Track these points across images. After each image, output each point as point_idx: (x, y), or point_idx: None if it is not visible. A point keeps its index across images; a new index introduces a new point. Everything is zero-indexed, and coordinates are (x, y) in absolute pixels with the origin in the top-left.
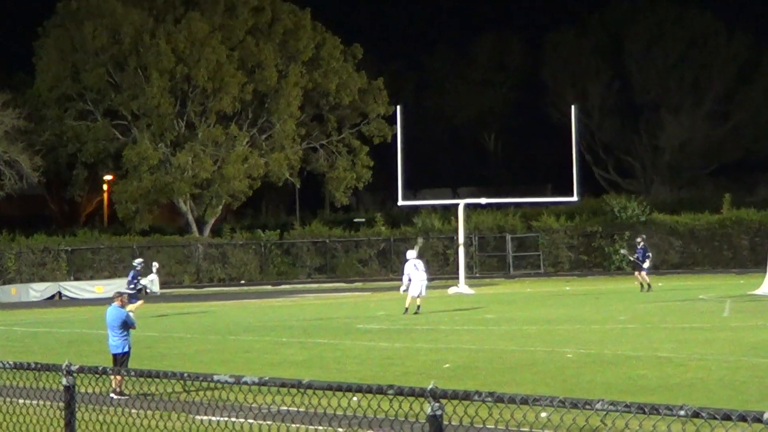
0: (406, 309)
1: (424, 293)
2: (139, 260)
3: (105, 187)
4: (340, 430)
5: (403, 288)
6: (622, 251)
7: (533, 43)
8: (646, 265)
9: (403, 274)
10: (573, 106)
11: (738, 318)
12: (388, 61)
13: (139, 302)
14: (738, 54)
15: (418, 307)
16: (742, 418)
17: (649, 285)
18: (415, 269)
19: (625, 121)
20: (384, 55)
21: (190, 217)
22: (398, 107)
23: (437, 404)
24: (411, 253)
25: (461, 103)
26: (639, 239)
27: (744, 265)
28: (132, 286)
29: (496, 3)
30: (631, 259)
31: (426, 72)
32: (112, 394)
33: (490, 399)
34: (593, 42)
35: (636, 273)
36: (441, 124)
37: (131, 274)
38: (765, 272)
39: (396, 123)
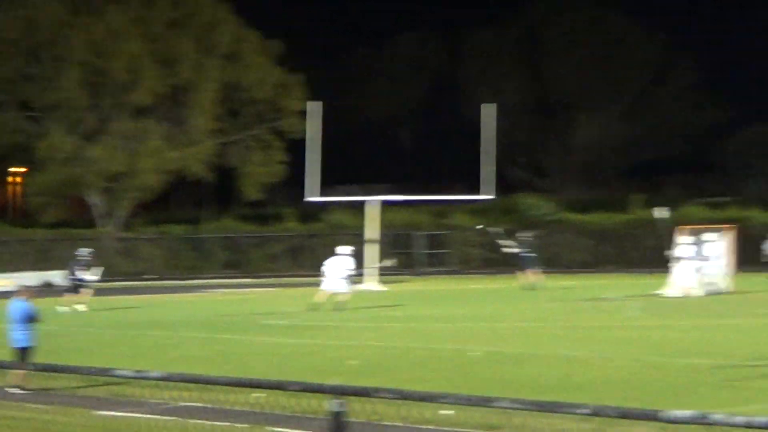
0: (321, 304)
1: (344, 290)
2: (84, 250)
3: (10, 179)
4: (243, 425)
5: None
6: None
7: (451, 42)
8: (530, 264)
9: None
10: (488, 105)
11: (643, 317)
12: (307, 57)
13: (90, 291)
14: (652, 55)
15: (339, 303)
16: (642, 417)
17: (533, 285)
18: (338, 264)
19: (540, 120)
20: (303, 51)
21: (100, 211)
22: (308, 103)
23: (340, 401)
24: (341, 249)
25: (378, 100)
26: (526, 235)
27: (652, 265)
28: (72, 276)
29: (416, 1)
30: (512, 251)
31: (344, 69)
32: (13, 389)
33: (393, 396)
34: (510, 41)
35: (523, 271)
36: (357, 120)
37: (74, 264)
38: (671, 272)
39: (312, 119)
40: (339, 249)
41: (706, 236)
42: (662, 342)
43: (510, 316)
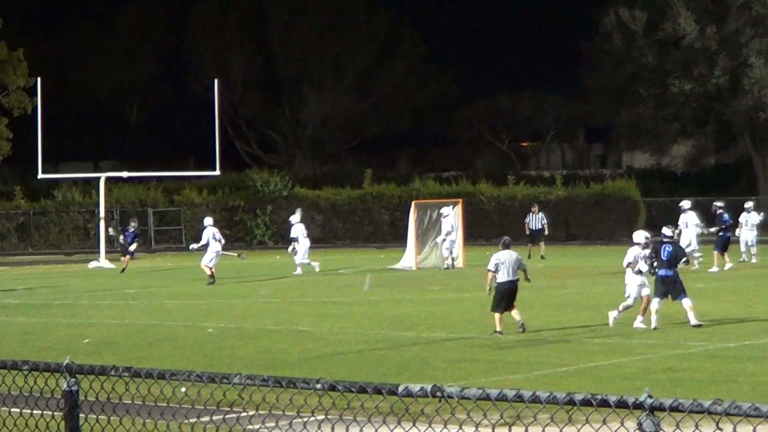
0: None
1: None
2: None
3: None
4: None
5: (290, 248)
6: (110, 230)
7: (176, 15)
8: (133, 248)
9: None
10: (215, 80)
11: (377, 292)
12: (28, 31)
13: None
14: (379, 30)
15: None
16: (378, 391)
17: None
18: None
19: (268, 95)
20: (24, 26)
21: None
22: (38, 79)
23: (73, 379)
24: (295, 217)
25: (103, 75)
26: (130, 224)
27: (384, 239)
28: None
29: None
30: (120, 241)
31: (67, 43)
32: None
33: (126, 374)
34: (236, 15)
35: (124, 257)
36: (83, 96)
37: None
38: (405, 247)
39: (36, 95)
40: (293, 217)
41: (438, 210)
42: (397, 316)
43: (245, 292)
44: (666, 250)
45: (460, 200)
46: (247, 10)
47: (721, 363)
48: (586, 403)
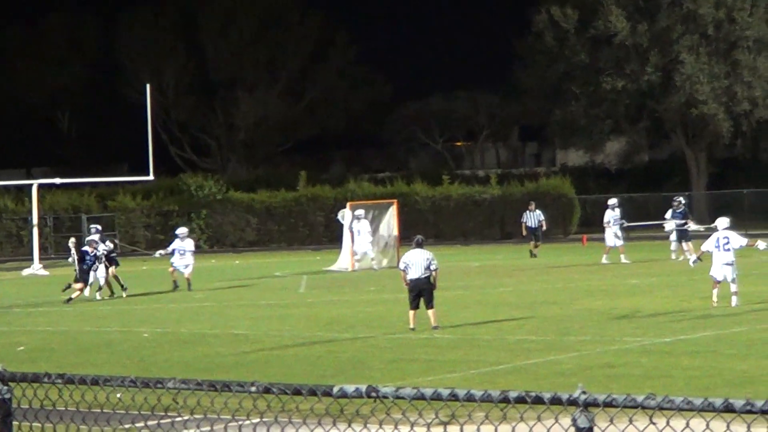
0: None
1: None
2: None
3: None
4: None
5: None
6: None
7: (107, 21)
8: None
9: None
10: (147, 85)
11: (313, 294)
12: None
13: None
14: (311, 32)
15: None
16: (312, 393)
17: None
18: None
19: (201, 99)
20: None
21: None
22: None
23: (6, 387)
24: (181, 230)
25: (33, 81)
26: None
27: (320, 241)
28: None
29: None
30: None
31: None
32: None
33: (60, 381)
34: (168, 20)
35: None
36: (13, 103)
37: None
38: (340, 248)
39: None
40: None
41: (372, 212)
42: (333, 318)
43: (180, 296)
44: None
45: (395, 201)
46: (179, 15)
47: (656, 358)
48: (520, 400)
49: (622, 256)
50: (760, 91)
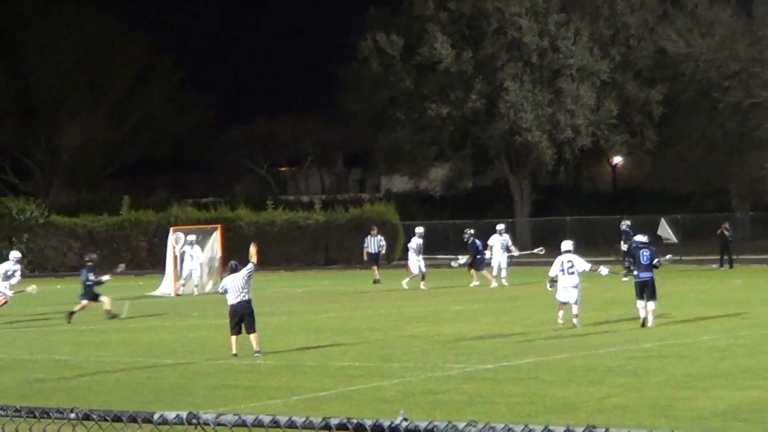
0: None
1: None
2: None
3: None
4: None
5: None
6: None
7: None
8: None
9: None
10: None
11: (136, 320)
12: None
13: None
14: (136, 56)
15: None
16: (133, 419)
17: None
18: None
19: (24, 122)
20: None
21: None
22: None
23: None
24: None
25: None
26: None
27: (143, 266)
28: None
29: None
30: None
31: None
32: None
33: None
34: None
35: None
36: None
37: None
38: (163, 273)
39: None
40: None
41: (197, 236)
42: (155, 343)
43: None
44: (644, 255)
45: (219, 226)
46: (1, 37)
47: (479, 384)
48: (342, 427)
49: (422, 283)
50: (582, 119)
